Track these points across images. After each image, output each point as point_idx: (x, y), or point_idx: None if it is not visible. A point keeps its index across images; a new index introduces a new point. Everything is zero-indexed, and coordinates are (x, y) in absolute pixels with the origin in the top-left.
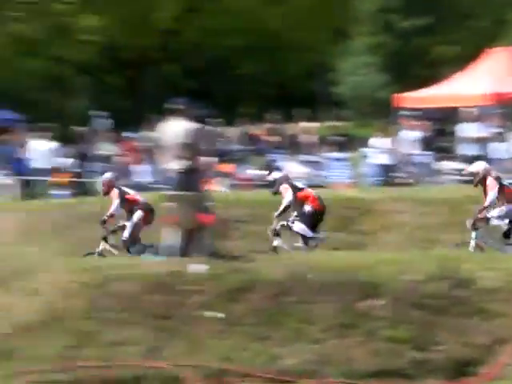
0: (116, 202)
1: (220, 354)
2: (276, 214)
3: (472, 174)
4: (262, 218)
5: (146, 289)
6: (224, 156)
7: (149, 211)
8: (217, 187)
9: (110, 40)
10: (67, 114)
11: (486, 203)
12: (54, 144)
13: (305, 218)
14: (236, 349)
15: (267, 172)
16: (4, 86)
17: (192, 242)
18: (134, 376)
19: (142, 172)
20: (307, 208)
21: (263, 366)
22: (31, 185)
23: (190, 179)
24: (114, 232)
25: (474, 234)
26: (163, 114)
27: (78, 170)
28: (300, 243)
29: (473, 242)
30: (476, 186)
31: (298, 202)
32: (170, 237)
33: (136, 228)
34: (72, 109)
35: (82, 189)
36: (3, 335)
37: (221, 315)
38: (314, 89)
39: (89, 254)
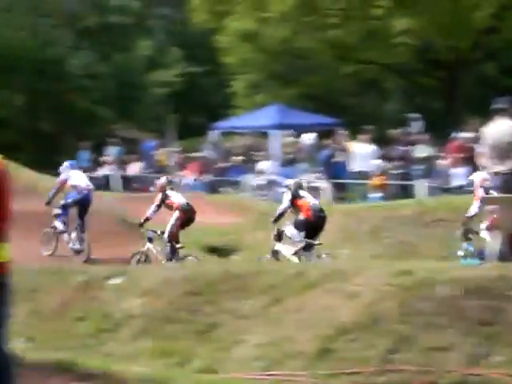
0: (152, 206)
1: None
2: None
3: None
4: None
5: (465, 293)
6: None
7: (185, 212)
8: None
9: (424, 41)
10: (381, 116)
11: (468, 213)
12: (372, 147)
13: None
14: None
15: None
16: (321, 91)
17: None
18: (453, 383)
19: (460, 175)
20: None
21: None
22: (347, 188)
23: None
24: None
25: (465, 245)
26: (482, 114)
27: (395, 173)
28: None
29: (461, 253)
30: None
31: None
32: (491, 240)
33: (174, 226)
34: (386, 111)
35: (398, 191)
36: (324, 336)
37: None
38: None
39: (135, 253)
